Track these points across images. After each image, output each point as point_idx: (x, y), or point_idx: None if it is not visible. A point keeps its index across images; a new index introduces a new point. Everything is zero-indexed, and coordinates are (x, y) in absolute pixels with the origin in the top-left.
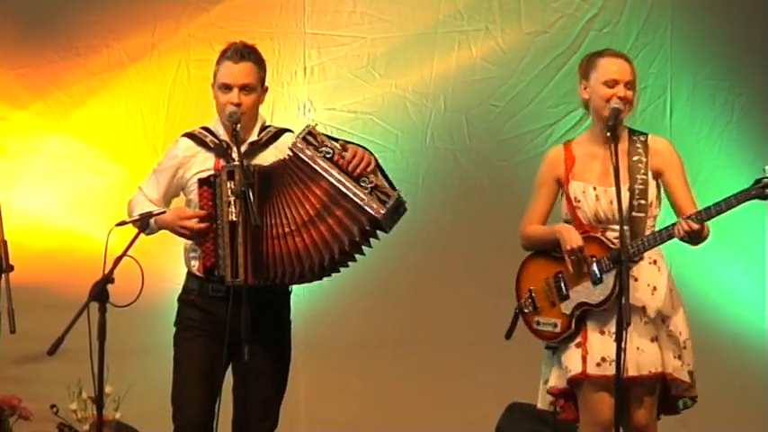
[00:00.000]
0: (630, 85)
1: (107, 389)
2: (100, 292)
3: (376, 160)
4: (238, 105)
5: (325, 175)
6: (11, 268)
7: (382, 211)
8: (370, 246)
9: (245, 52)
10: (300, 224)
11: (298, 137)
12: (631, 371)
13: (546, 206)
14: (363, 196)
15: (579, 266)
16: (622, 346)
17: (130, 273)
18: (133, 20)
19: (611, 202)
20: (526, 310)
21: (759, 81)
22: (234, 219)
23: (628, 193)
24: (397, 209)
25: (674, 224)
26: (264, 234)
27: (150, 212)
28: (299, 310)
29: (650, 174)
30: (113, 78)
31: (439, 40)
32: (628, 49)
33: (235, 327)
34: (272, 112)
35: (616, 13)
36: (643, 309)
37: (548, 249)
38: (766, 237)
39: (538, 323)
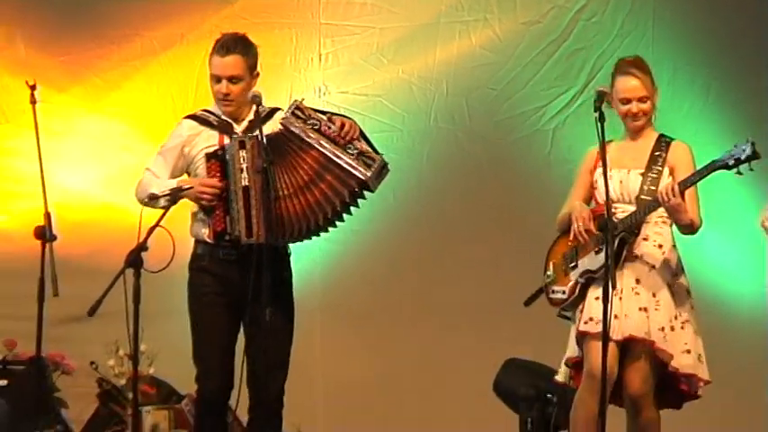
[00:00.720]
0: (644, 98)
1: (141, 347)
2: (135, 260)
3: (359, 128)
4: (227, 95)
5: (315, 145)
6: (54, 238)
7: (369, 174)
8: (357, 206)
9: (232, 46)
10: (297, 188)
11: (287, 112)
12: (616, 335)
13: (579, 194)
14: (351, 161)
15: (588, 240)
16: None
17: (162, 241)
18: (164, 11)
19: (621, 182)
20: (547, 281)
21: (733, 66)
22: (247, 184)
23: (640, 178)
24: (381, 170)
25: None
26: (268, 195)
27: (180, 187)
28: (317, 278)
29: (666, 168)
30: (145, 65)
31: (441, 29)
32: (614, 37)
33: (245, 288)
34: (290, 95)
35: (602, 4)
36: (637, 281)
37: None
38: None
39: (553, 291)
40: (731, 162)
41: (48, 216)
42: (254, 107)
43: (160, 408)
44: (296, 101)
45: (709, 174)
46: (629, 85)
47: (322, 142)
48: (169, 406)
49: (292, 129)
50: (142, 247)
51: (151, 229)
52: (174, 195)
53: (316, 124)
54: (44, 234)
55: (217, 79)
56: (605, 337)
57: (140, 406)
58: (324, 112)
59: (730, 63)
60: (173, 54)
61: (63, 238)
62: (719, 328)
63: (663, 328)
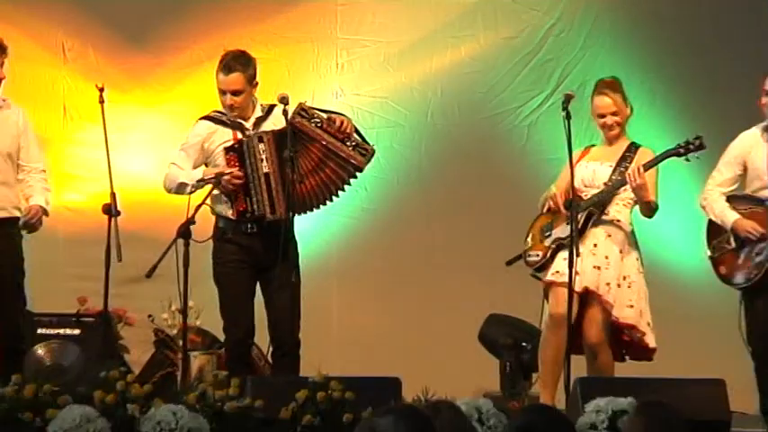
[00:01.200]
0: (615, 113)
1: (190, 303)
2: (185, 231)
3: (353, 124)
4: (231, 105)
5: (318, 139)
6: (118, 213)
7: (363, 160)
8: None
9: (233, 65)
10: (307, 172)
11: (294, 112)
12: (576, 286)
13: (561, 185)
14: (350, 152)
15: (562, 210)
16: (575, 268)
17: (207, 217)
18: (209, 28)
19: (594, 171)
20: (526, 248)
21: (676, 73)
22: (267, 171)
23: (610, 169)
24: (371, 157)
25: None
26: (285, 178)
27: (222, 172)
28: (334, 247)
29: (633, 165)
30: (193, 72)
31: (437, 43)
32: (578, 50)
33: (265, 255)
34: (313, 97)
35: (568, 23)
36: (594, 245)
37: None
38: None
39: (529, 255)
40: (682, 151)
41: (113, 196)
42: (258, 106)
43: (205, 353)
44: (300, 103)
45: (665, 158)
46: (604, 102)
47: (325, 137)
48: (212, 351)
49: (299, 126)
50: (190, 221)
51: (198, 207)
52: (200, 185)
53: (318, 122)
54: (110, 210)
55: (222, 92)
56: (570, 288)
57: (188, 351)
58: (325, 111)
59: (674, 71)
60: (216, 63)
61: (125, 213)
62: (668, 290)
63: (609, 284)
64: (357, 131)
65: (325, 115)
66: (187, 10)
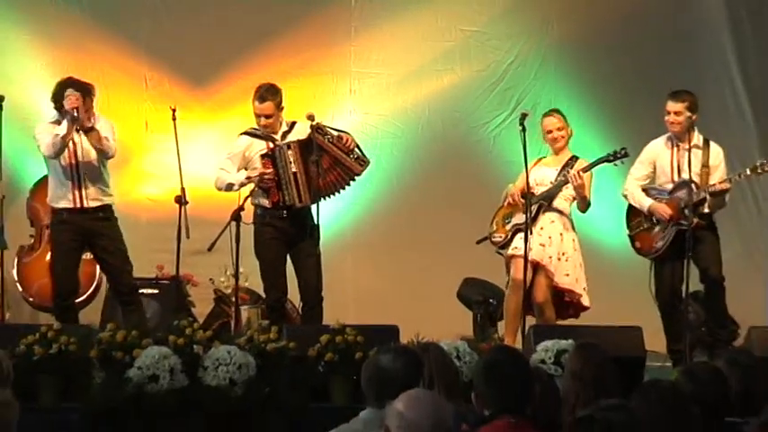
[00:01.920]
0: (560, 128)
1: (240, 269)
2: (236, 216)
3: (355, 141)
4: (265, 126)
5: (329, 151)
6: (187, 202)
7: (361, 169)
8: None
9: (265, 95)
10: (322, 172)
11: (312, 130)
12: (529, 258)
13: (519, 185)
14: (352, 162)
15: (519, 205)
16: (528, 245)
17: (252, 206)
18: (255, 62)
19: (543, 173)
20: (491, 231)
21: (606, 97)
22: (295, 170)
23: (556, 172)
24: (367, 167)
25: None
26: (309, 177)
27: (263, 172)
28: (348, 227)
29: (573, 170)
30: (243, 97)
31: (425, 74)
32: (530, 80)
33: (294, 233)
34: (333, 116)
35: (523, 60)
36: (541, 228)
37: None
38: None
39: (494, 237)
40: (612, 158)
41: (182, 190)
42: (284, 123)
43: (252, 307)
44: (318, 123)
45: (599, 164)
46: (551, 121)
47: (333, 150)
48: (257, 306)
49: (316, 141)
50: (240, 208)
51: (245, 199)
52: (245, 183)
53: (330, 139)
54: (180, 200)
55: (257, 116)
56: (525, 259)
57: (239, 306)
58: (335, 130)
59: (606, 91)
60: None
61: (192, 203)
62: (600, 262)
63: (551, 257)
64: (358, 147)
65: (335, 133)
66: (238, 50)
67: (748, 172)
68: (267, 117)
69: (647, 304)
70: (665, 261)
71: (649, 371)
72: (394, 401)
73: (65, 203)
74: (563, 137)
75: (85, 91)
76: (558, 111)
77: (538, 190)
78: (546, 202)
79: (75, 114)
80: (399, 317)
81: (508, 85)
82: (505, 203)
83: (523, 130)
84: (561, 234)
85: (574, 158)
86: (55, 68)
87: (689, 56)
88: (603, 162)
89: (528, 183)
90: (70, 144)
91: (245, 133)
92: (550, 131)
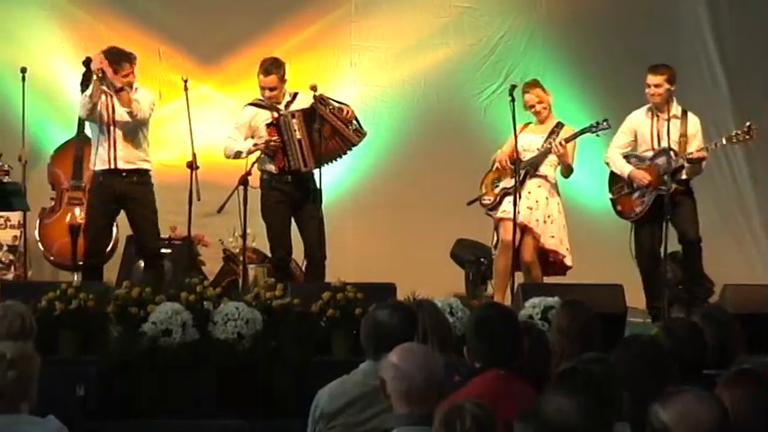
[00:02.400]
0: (540, 101)
1: (248, 230)
2: (244, 180)
3: (354, 113)
4: (270, 98)
5: (330, 121)
6: (197, 167)
7: (358, 140)
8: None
9: (269, 69)
10: (321, 140)
11: (314, 100)
12: (517, 220)
13: (507, 149)
14: (350, 133)
15: (507, 172)
16: (517, 209)
17: (258, 171)
18: (262, 37)
19: (530, 140)
20: (481, 194)
21: (591, 69)
22: (300, 137)
23: (542, 140)
24: (364, 137)
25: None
26: (313, 144)
27: (268, 140)
28: (349, 191)
29: (558, 138)
30: (251, 68)
31: (421, 48)
32: (519, 53)
33: (297, 197)
34: (335, 88)
35: (513, 35)
36: (529, 192)
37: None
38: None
39: (484, 199)
40: (594, 129)
41: (194, 155)
42: (286, 94)
43: (258, 266)
44: (321, 94)
45: (581, 134)
46: (529, 97)
47: (335, 119)
48: (263, 265)
49: (318, 111)
50: (248, 173)
51: (252, 164)
52: (252, 150)
53: (332, 109)
54: (192, 165)
55: (262, 88)
56: (514, 221)
57: (247, 265)
58: (337, 102)
59: (590, 64)
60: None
61: (202, 167)
62: (583, 224)
63: (538, 220)
64: (356, 119)
65: (336, 104)
66: (246, 28)
67: (724, 141)
68: (271, 89)
69: (627, 264)
70: (645, 224)
71: (630, 326)
72: (388, 354)
73: (101, 165)
74: (544, 108)
75: (117, 56)
76: (535, 83)
77: (525, 155)
78: (532, 168)
79: (101, 75)
80: (396, 275)
81: (499, 58)
82: (494, 168)
83: (513, 100)
84: (547, 198)
85: (559, 125)
86: (73, 42)
87: (669, 31)
88: (586, 132)
89: (516, 149)
90: (107, 105)
91: (251, 104)
92: (532, 106)
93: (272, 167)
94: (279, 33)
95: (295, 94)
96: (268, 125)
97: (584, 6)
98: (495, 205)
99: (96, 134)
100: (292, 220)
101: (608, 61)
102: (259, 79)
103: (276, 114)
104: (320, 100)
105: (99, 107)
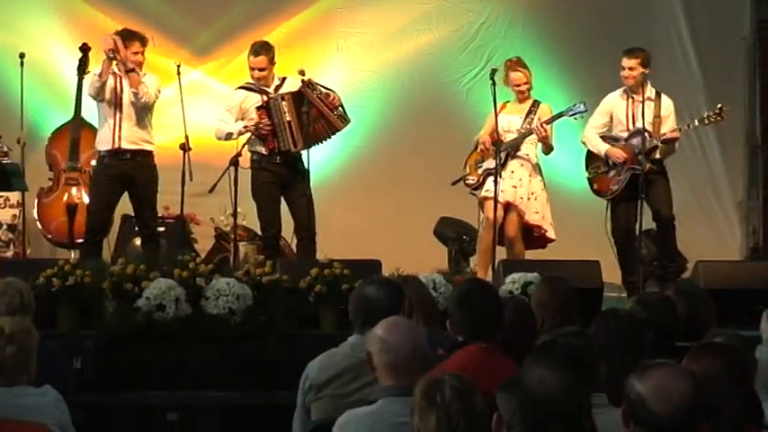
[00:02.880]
0: (526, 82)
1: (238, 209)
2: (235, 161)
3: (340, 99)
4: (259, 79)
5: (317, 105)
6: (190, 149)
7: (342, 126)
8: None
9: (259, 50)
10: (311, 121)
11: (302, 84)
12: (501, 199)
13: (488, 129)
14: (335, 118)
15: (489, 153)
16: (499, 188)
17: (248, 153)
18: (252, 24)
19: (510, 121)
20: (465, 174)
21: (569, 51)
22: (289, 119)
23: (521, 121)
24: (348, 124)
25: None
26: (302, 125)
27: (258, 122)
28: (337, 171)
29: (536, 117)
30: (241, 54)
31: (405, 34)
32: (500, 39)
33: (287, 176)
34: (322, 72)
35: (494, 21)
36: (512, 171)
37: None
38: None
39: (467, 179)
40: (571, 113)
41: (186, 137)
42: (276, 78)
43: (249, 243)
44: (309, 79)
45: (559, 118)
46: (518, 76)
47: (321, 104)
48: (253, 242)
49: (305, 95)
50: (238, 154)
51: (242, 146)
52: (243, 132)
53: (320, 94)
54: (184, 147)
55: (252, 69)
56: (495, 200)
57: (238, 242)
58: (324, 87)
59: (568, 48)
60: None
61: (195, 149)
62: (562, 203)
63: (522, 198)
64: (342, 106)
65: (324, 90)
66: (236, 14)
67: (696, 123)
68: (261, 70)
69: (603, 241)
70: (620, 202)
71: (606, 301)
72: (374, 328)
73: (105, 146)
74: (528, 87)
75: (129, 33)
76: (520, 61)
77: (506, 136)
78: (512, 149)
79: (111, 55)
80: (382, 252)
81: (480, 44)
82: (478, 149)
83: (493, 84)
84: (530, 176)
85: (536, 103)
86: (70, 29)
87: (644, 16)
88: (564, 116)
89: (497, 130)
90: (115, 86)
91: (242, 87)
92: (518, 85)
93: (261, 149)
94: (268, 21)
95: (284, 79)
96: (258, 108)
97: None
98: (479, 185)
99: (103, 114)
100: (282, 199)
101: (586, 45)
102: (249, 60)
103: (266, 98)
104: (308, 84)
105: (107, 87)
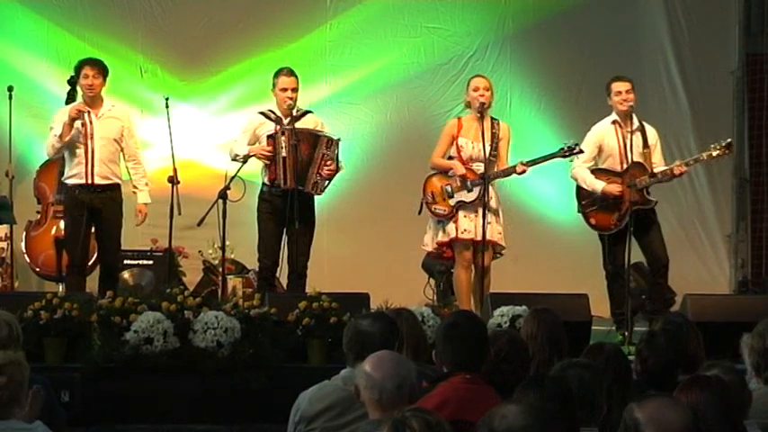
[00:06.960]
0: (487, 88)
1: (227, 242)
2: (223, 194)
3: (335, 175)
4: (291, 98)
5: (318, 165)
6: (178, 182)
7: (311, 192)
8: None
9: (292, 71)
10: (307, 164)
11: (326, 144)
12: (477, 237)
13: (444, 149)
14: (313, 182)
15: (460, 182)
16: (484, 222)
17: (239, 185)
18: (241, 55)
19: (479, 151)
20: (429, 201)
21: (555, 84)
22: (285, 155)
23: (489, 147)
24: (318, 194)
25: (515, 165)
26: (298, 162)
27: (262, 149)
28: (325, 204)
29: (502, 141)
30: (230, 85)
31: (393, 68)
32: (489, 72)
33: (286, 211)
34: (311, 104)
35: (482, 55)
36: (486, 204)
37: (444, 172)
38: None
39: (435, 209)
40: (568, 154)
41: (174, 170)
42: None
43: (237, 277)
44: (338, 139)
45: (551, 159)
46: (480, 81)
47: (323, 167)
48: (242, 276)
49: (320, 149)
50: (227, 187)
51: (232, 178)
52: (248, 157)
53: (325, 155)
54: (173, 180)
55: (284, 90)
56: (483, 237)
57: (226, 276)
58: (337, 157)
59: (555, 82)
60: (246, 80)
61: (183, 182)
62: (553, 238)
63: (500, 233)
64: (329, 180)
65: (331, 155)
66: (224, 48)
67: (704, 157)
68: (294, 90)
69: (591, 275)
70: (621, 238)
71: (594, 334)
72: (362, 363)
73: (77, 180)
74: (488, 98)
75: (82, 65)
76: (484, 75)
77: (471, 165)
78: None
79: (75, 120)
80: (370, 285)
81: (468, 77)
82: (437, 173)
83: (481, 117)
84: (497, 210)
85: (495, 123)
86: (59, 61)
87: (632, 49)
88: (557, 157)
89: (487, 159)
90: (84, 126)
91: (261, 113)
92: (477, 89)
93: (265, 179)
94: (257, 54)
95: (304, 113)
96: (268, 137)
97: (548, 27)
98: (450, 217)
99: (71, 150)
100: (284, 231)
101: (574, 79)
102: (281, 81)
103: (277, 127)
104: (329, 143)
105: (74, 127)
